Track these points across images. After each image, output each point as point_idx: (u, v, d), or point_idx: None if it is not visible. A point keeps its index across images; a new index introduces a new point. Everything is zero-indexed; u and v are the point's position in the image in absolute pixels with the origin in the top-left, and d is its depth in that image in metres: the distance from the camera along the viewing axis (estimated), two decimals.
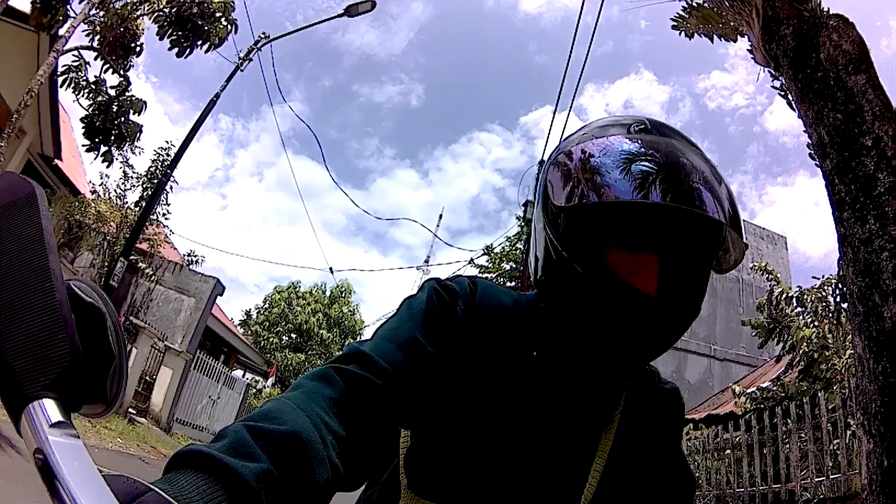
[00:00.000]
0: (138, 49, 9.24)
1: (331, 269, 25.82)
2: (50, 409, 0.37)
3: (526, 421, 0.76)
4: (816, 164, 2.80)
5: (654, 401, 0.85)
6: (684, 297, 0.71)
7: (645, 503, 0.79)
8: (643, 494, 0.80)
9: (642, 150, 0.69)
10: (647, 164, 0.68)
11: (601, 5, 7.88)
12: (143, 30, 9.16)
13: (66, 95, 9.31)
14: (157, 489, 0.38)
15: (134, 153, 11.88)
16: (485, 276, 14.12)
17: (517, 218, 15.26)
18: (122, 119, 9.38)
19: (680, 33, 4.26)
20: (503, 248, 17.06)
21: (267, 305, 32.02)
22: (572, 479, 0.77)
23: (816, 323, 7.46)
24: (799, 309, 7.95)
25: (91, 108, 9.17)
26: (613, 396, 0.81)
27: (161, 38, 9.11)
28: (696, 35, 4.21)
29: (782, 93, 3.59)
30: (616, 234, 0.71)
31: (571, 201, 0.70)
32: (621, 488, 0.78)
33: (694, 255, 0.73)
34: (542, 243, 0.76)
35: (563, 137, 0.83)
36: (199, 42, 9.36)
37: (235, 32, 9.80)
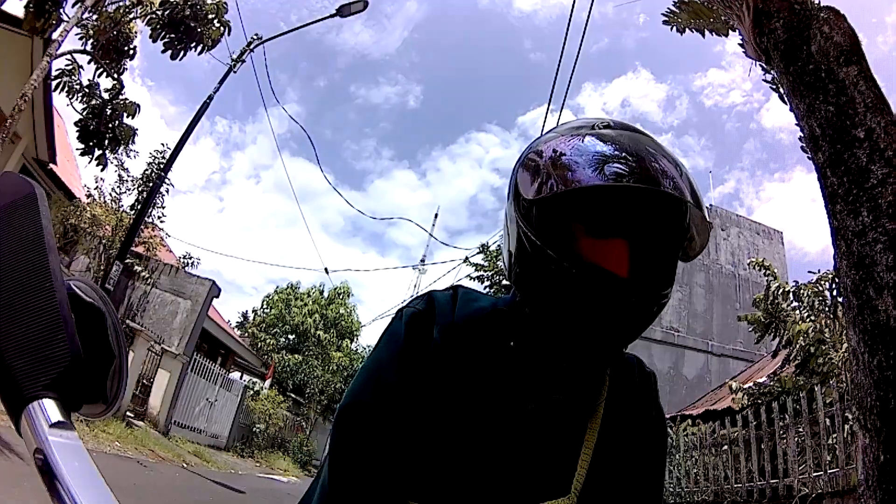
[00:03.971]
0: (132, 52, 9.20)
1: (326, 269, 25.77)
2: (50, 409, 0.37)
3: (510, 412, 0.78)
4: (809, 157, 2.79)
5: (636, 388, 0.87)
6: (656, 277, 0.75)
7: (634, 488, 0.82)
8: (633, 480, 0.82)
9: (607, 141, 0.73)
10: (611, 152, 0.71)
11: (592, 1, 7.86)
12: (136, 33, 9.12)
13: (59, 99, 9.32)
14: None
15: (129, 156, 11.81)
16: (481, 273, 14.13)
17: None
18: (116, 122, 9.34)
19: (671, 28, 4.27)
20: (499, 246, 16.97)
21: (265, 307, 31.87)
22: (561, 468, 0.78)
23: (813, 317, 7.47)
24: (795, 304, 7.97)
25: (85, 112, 9.13)
26: (596, 385, 0.83)
27: (154, 41, 9.08)
28: (689, 31, 4.22)
29: (774, 86, 3.59)
30: (585, 222, 0.74)
31: (541, 193, 0.73)
32: (611, 475, 0.79)
33: (661, 236, 0.77)
34: (514, 237, 0.79)
35: (534, 139, 0.86)
36: (193, 44, 9.32)
37: (228, 34, 9.78)
